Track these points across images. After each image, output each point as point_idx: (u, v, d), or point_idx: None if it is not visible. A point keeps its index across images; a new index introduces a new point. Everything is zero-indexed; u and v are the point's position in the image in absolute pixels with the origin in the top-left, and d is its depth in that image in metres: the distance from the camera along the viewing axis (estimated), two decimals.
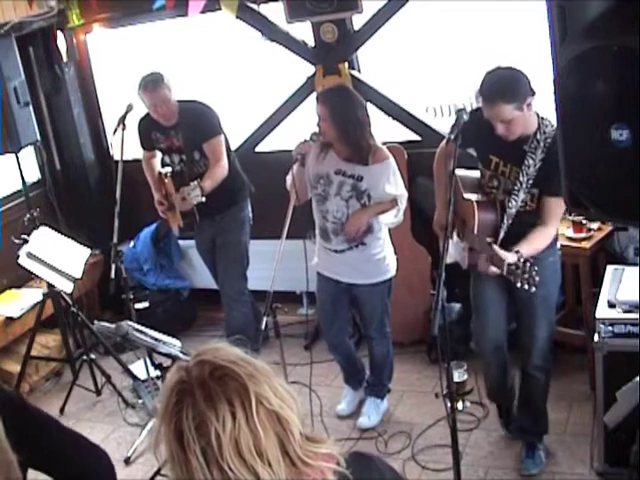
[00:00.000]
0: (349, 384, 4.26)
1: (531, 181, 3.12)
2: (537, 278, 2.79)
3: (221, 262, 4.63)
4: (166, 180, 4.30)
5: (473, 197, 3.29)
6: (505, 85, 3.01)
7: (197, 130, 4.29)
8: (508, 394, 3.74)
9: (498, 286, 3.37)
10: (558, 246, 3.39)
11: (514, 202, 3.14)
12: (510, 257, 2.91)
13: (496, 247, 3.00)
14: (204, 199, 4.03)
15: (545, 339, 3.43)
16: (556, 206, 3.04)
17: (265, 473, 1.21)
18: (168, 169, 4.38)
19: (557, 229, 3.29)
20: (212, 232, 4.58)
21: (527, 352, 3.46)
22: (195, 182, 4.04)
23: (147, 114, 4.39)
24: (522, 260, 2.84)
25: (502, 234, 3.15)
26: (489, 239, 3.06)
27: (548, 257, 3.26)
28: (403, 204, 3.77)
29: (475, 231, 3.17)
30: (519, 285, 2.82)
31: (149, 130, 4.44)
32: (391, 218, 3.80)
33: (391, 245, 3.91)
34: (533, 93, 3.02)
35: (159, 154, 4.58)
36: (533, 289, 2.81)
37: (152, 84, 4.18)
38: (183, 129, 4.33)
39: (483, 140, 3.22)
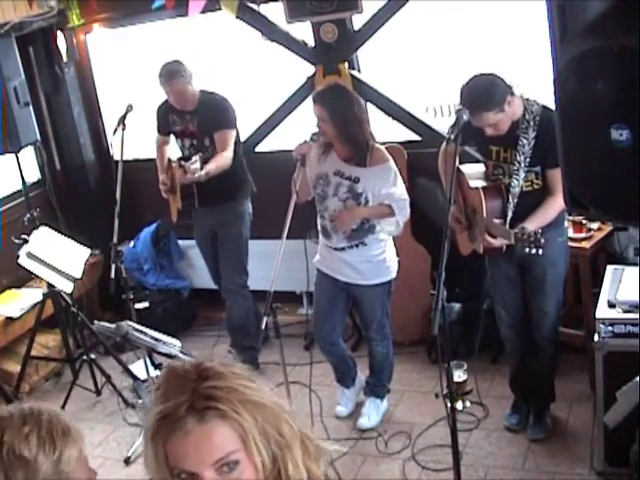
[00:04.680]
0: (342, 383, 4.24)
1: (528, 159, 3.30)
2: (542, 240, 2.96)
3: (223, 256, 4.65)
4: (173, 164, 4.37)
5: (479, 184, 3.44)
6: (483, 95, 3.19)
7: (213, 118, 4.37)
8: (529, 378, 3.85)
9: (511, 269, 3.59)
10: (566, 225, 3.58)
11: (516, 181, 3.32)
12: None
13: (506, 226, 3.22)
14: (203, 173, 4.11)
15: (554, 315, 3.63)
16: (559, 175, 3.15)
17: None
18: (178, 156, 4.49)
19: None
20: (212, 223, 4.60)
21: (538, 327, 3.64)
22: (197, 156, 4.12)
23: (166, 100, 4.49)
24: (522, 226, 3.06)
25: (510, 214, 3.33)
26: (498, 220, 3.26)
27: (556, 237, 3.41)
28: (402, 213, 3.71)
29: (484, 215, 3.31)
30: (527, 250, 2.99)
31: (167, 113, 4.53)
32: (390, 227, 3.78)
33: (393, 247, 3.90)
34: (511, 90, 3.22)
35: (172, 141, 4.63)
36: (540, 251, 2.97)
37: (167, 75, 4.29)
38: (200, 116, 4.42)
39: (480, 135, 3.36)
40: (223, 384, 1.25)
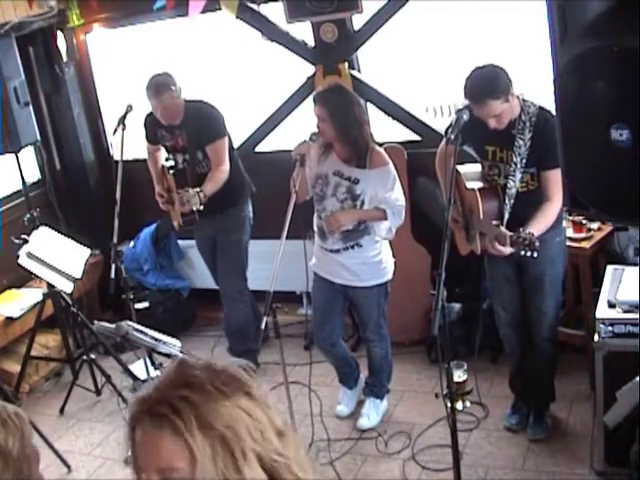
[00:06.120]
0: (344, 384, 4.24)
1: (524, 160, 3.29)
2: (537, 244, 2.94)
3: (221, 262, 4.63)
4: (168, 175, 4.33)
5: (475, 185, 3.43)
6: (488, 83, 3.20)
7: (202, 131, 4.28)
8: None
9: (510, 268, 3.58)
10: (564, 224, 3.57)
11: (512, 183, 3.31)
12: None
13: (502, 228, 3.18)
14: (202, 208, 4.01)
15: (553, 315, 3.63)
16: (555, 178, 3.11)
17: None
18: (170, 162, 4.43)
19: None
20: (213, 231, 4.58)
21: (537, 327, 3.64)
22: (196, 190, 4.02)
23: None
24: (521, 230, 3.02)
25: (507, 215, 3.32)
26: (495, 222, 3.23)
27: (554, 237, 3.41)
28: (396, 218, 3.70)
29: (481, 217, 3.30)
30: (522, 253, 2.97)
31: (155, 127, 4.44)
32: (383, 232, 3.78)
33: (389, 248, 3.90)
34: (511, 83, 3.22)
35: (163, 148, 4.58)
36: (535, 254, 2.95)
37: (155, 88, 4.16)
38: (188, 128, 4.32)
39: (476, 134, 3.35)
40: (195, 399, 1.19)
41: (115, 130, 4.34)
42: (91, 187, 5.78)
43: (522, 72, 4.01)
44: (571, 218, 3.93)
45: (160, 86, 4.15)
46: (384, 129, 4.80)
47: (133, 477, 1.27)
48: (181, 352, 3.45)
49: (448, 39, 4.67)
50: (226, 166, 4.30)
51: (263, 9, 4.82)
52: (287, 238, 3.46)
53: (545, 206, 3.27)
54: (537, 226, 3.19)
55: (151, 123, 4.45)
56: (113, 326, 3.66)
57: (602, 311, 3.28)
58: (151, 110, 4.37)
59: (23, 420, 1.53)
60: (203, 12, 4.67)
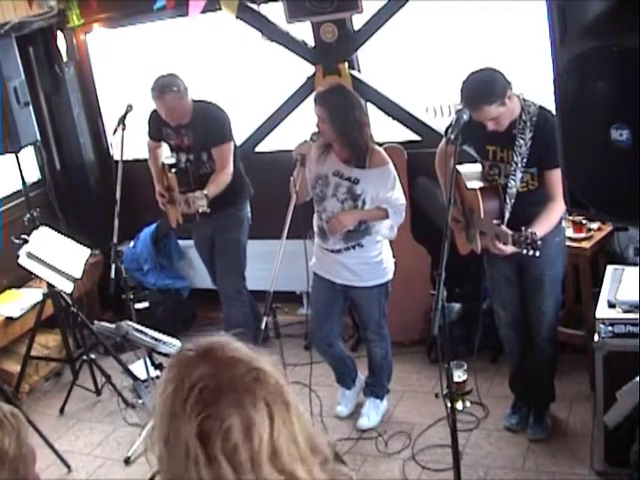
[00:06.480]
0: (342, 384, 4.23)
1: (525, 160, 3.29)
2: (539, 242, 2.96)
3: (220, 261, 4.63)
4: (169, 174, 4.32)
5: (476, 185, 3.43)
6: (483, 88, 3.19)
7: (208, 133, 4.28)
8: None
9: (509, 268, 3.58)
10: (563, 224, 3.56)
11: (513, 182, 3.32)
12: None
13: (503, 226, 3.19)
14: (208, 210, 4.02)
15: (553, 315, 3.63)
16: (557, 177, 3.02)
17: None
18: (172, 160, 4.43)
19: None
20: (211, 230, 4.58)
21: (536, 326, 3.64)
22: (203, 192, 4.02)
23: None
24: (523, 229, 3.02)
25: (507, 215, 3.32)
26: (496, 221, 3.24)
27: (554, 237, 3.40)
28: (397, 217, 3.72)
29: (482, 216, 3.30)
30: (524, 252, 3.00)
31: (160, 124, 4.43)
32: (385, 231, 3.79)
33: (389, 248, 3.90)
34: (510, 85, 3.21)
35: (164, 145, 4.58)
36: (537, 253, 2.97)
37: (159, 89, 4.17)
38: (194, 129, 4.33)
39: (476, 134, 3.35)
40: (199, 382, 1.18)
41: (115, 130, 4.34)
42: (91, 187, 5.78)
43: (522, 72, 4.02)
44: (571, 218, 3.93)
45: (163, 87, 4.17)
46: (384, 129, 4.80)
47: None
48: None
49: (448, 39, 4.68)
50: (230, 169, 4.32)
51: (263, 9, 4.83)
52: (287, 238, 3.46)
53: (549, 206, 3.28)
54: (541, 226, 3.20)
55: (156, 120, 4.45)
56: (113, 326, 3.66)
57: (602, 311, 3.28)
58: (155, 109, 4.38)
59: (19, 420, 1.53)
60: (203, 12, 4.67)
